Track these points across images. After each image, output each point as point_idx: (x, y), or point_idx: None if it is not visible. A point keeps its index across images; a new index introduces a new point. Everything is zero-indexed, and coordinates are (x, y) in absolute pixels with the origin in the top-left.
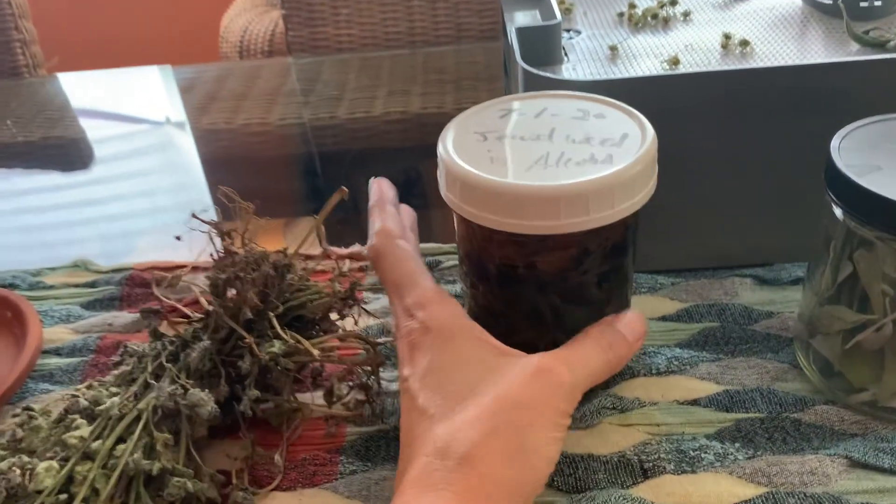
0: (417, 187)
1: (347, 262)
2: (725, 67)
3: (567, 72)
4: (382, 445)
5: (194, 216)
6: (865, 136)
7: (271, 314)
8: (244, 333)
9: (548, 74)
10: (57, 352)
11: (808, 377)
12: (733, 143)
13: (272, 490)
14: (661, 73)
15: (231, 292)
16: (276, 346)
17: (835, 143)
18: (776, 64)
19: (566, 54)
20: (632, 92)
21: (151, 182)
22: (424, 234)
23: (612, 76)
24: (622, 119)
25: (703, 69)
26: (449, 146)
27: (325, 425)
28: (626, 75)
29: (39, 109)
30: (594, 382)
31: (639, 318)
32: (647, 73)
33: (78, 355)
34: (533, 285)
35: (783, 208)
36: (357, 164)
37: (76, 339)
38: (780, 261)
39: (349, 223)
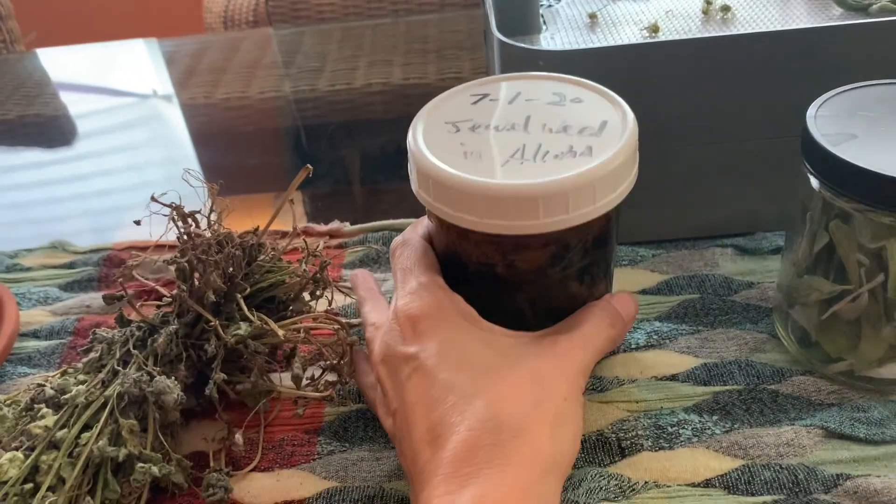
0: (400, 160)
1: (321, 241)
2: (706, 34)
3: (545, 41)
4: (360, 426)
5: (153, 199)
6: (842, 105)
7: (239, 296)
8: (209, 316)
9: (523, 45)
10: (35, 334)
11: (786, 347)
12: (713, 111)
13: (250, 471)
14: (640, 41)
15: (197, 275)
16: (243, 329)
17: (811, 111)
18: (758, 30)
19: (545, 23)
20: (610, 61)
21: (139, 156)
22: (404, 210)
23: (590, 45)
24: (601, 104)
25: (683, 36)
26: (419, 140)
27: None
28: (605, 44)
29: (17, 86)
30: (598, 359)
31: (630, 298)
32: (626, 42)
33: (56, 338)
34: (512, 283)
35: (764, 176)
36: (339, 136)
37: (54, 322)
38: (761, 229)
39: (338, 195)
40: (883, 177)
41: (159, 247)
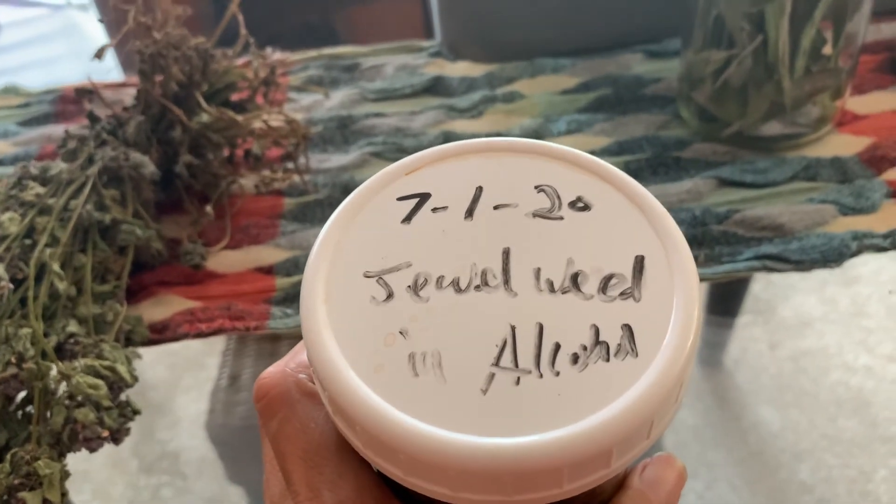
0: None
1: (269, 49)
2: None
3: None
4: (317, 211)
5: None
6: None
7: (197, 93)
8: (172, 107)
9: None
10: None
11: (688, 124)
12: None
13: (221, 249)
14: None
15: (158, 78)
16: (204, 118)
17: None
18: None
19: None
20: None
21: (56, 73)
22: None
23: None
24: (621, 210)
25: None
26: (321, 325)
27: (264, 201)
28: None
29: None
30: None
31: (669, 465)
32: None
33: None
34: None
35: None
36: None
37: (17, 151)
38: (668, 37)
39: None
40: None
41: (110, 86)
